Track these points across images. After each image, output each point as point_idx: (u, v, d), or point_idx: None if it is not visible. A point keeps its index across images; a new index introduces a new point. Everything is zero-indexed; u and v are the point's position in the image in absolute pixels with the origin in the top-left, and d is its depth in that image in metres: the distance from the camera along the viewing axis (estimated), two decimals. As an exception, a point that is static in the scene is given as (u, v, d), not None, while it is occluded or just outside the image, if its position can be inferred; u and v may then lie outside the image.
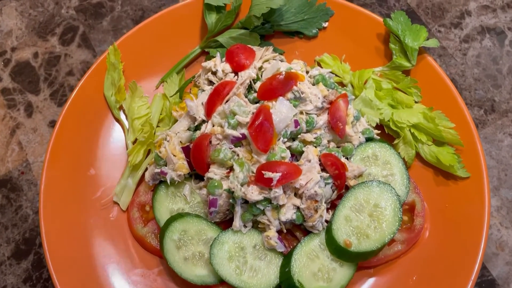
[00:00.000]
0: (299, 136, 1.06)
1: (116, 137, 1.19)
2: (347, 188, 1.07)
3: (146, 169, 1.14)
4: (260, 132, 1.00)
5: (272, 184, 0.97)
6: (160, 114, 1.20)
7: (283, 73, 1.06)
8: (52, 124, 1.30)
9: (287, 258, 1.02)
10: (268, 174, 0.97)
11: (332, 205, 1.07)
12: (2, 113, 1.32)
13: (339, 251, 1.01)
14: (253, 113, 1.03)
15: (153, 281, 1.09)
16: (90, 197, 1.13)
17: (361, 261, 1.03)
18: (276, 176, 0.96)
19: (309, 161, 1.02)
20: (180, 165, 1.07)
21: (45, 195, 1.10)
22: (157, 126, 1.19)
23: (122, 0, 1.43)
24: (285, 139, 1.05)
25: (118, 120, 1.20)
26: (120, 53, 1.20)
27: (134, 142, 1.16)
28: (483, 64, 1.31)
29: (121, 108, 1.21)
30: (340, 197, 1.06)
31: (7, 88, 1.34)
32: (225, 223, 1.08)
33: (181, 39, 1.25)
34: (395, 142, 1.13)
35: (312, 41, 1.25)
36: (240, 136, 1.03)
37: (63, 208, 1.11)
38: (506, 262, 1.12)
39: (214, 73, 1.14)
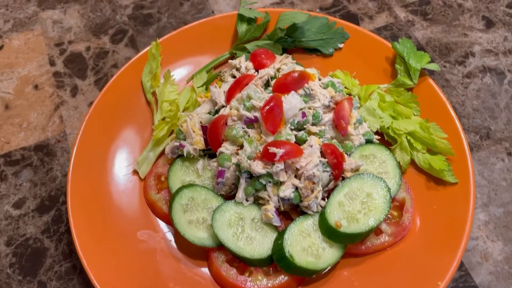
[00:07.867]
0: (305, 126, 1.19)
1: (145, 117, 1.35)
2: (344, 179, 1.17)
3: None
4: (271, 114, 1.14)
5: (275, 159, 1.09)
6: (186, 103, 1.36)
7: (297, 72, 1.22)
8: (92, 104, 1.47)
9: (281, 233, 1.12)
10: (272, 149, 1.09)
11: (329, 194, 1.17)
12: (51, 91, 1.50)
13: (329, 232, 1.10)
14: (266, 100, 1.18)
15: (157, 243, 1.19)
16: (114, 164, 1.27)
17: (349, 243, 1.11)
18: (279, 152, 1.09)
19: (311, 146, 1.14)
20: (197, 140, 1.20)
21: (76, 158, 1.24)
22: (182, 112, 1.34)
23: (169, 13, 1.65)
24: (292, 127, 1.18)
25: (149, 104, 1.36)
26: (160, 47, 1.39)
27: (160, 122, 1.31)
28: (482, 97, 1.44)
29: (154, 94, 1.37)
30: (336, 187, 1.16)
31: (58, 72, 1.54)
32: (229, 198, 1.19)
33: (214, 44, 1.44)
34: (393, 147, 1.24)
35: (328, 59, 1.42)
36: (253, 118, 1.17)
37: (89, 171, 1.25)
38: (489, 272, 1.17)
39: (238, 69, 1.30)
